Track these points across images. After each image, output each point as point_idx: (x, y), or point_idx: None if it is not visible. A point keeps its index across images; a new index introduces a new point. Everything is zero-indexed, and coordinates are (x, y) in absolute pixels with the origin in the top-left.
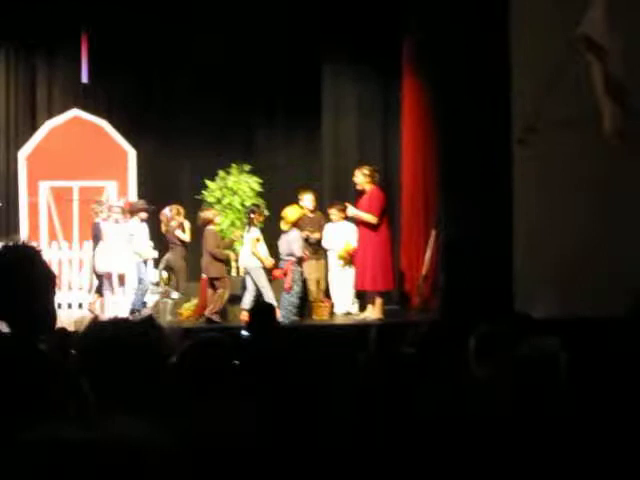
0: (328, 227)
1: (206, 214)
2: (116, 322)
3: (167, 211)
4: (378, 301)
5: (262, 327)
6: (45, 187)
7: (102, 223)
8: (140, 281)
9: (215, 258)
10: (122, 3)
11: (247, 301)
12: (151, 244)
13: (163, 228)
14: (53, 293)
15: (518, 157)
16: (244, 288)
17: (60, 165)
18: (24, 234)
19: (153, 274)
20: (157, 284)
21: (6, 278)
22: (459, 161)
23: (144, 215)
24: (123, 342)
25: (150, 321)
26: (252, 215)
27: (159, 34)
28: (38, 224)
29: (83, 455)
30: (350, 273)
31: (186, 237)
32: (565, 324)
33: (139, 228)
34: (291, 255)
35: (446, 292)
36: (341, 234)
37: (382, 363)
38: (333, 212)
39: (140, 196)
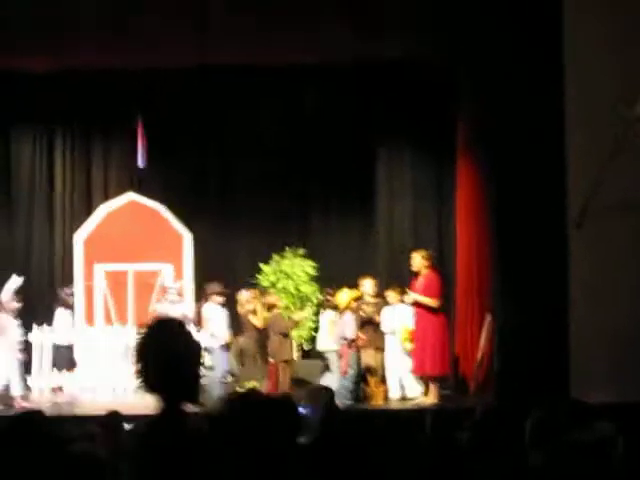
0: (385, 310)
1: (269, 299)
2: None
3: (245, 293)
4: (433, 386)
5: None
6: (100, 270)
7: (156, 305)
8: (212, 368)
9: (283, 338)
10: (179, 89)
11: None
12: (228, 329)
13: (239, 309)
14: (200, 363)
15: (574, 240)
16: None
17: (115, 248)
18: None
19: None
20: (232, 374)
21: (163, 351)
22: (514, 244)
23: (220, 299)
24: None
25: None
26: (328, 297)
27: (215, 119)
28: (93, 307)
29: None
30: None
31: (258, 322)
32: (622, 409)
33: (215, 311)
34: (344, 338)
35: (501, 377)
36: (399, 317)
37: (438, 447)
38: (390, 294)
39: (196, 279)
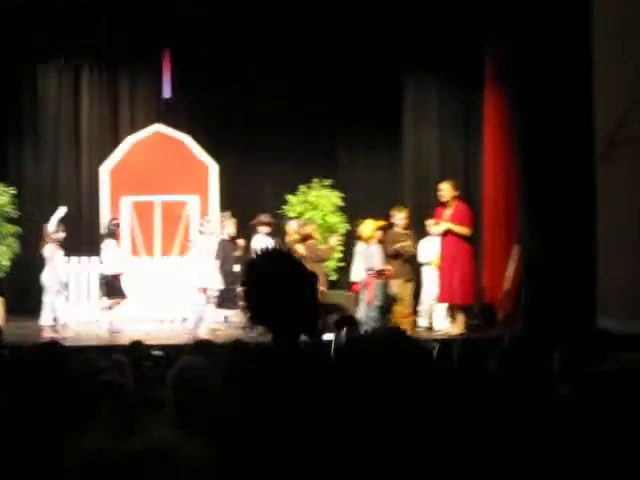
0: (423, 241)
1: (306, 229)
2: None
3: (292, 223)
4: (461, 316)
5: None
6: (127, 201)
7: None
8: None
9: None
10: (205, 20)
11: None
12: None
13: (287, 239)
14: (315, 292)
15: (600, 172)
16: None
17: (142, 179)
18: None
19: None
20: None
21: (267, 281)
22: (541, 176)
23: (267, 229)
24: None
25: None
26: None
27: (241, 50)
28: (120, 238)
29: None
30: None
31: (302, 251)
32: None
33: (263, 241)
34: (371, 269)
35: (529, 307)
36: (434, 247)
37: (466, 377)
38: (430, 225)
39: (222, 209)
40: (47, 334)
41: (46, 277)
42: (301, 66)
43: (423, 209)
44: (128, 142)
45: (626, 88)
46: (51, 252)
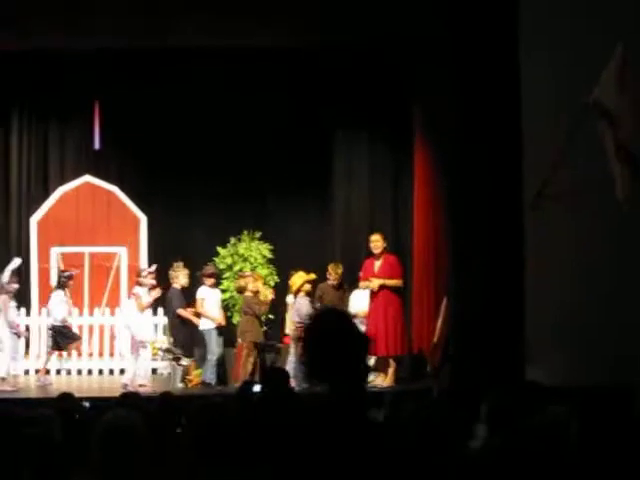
0: (356, 294)
1: (240, 282)
2: None
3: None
4: (392, 367)
5: (276, 388)
6: (56, 253)
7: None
8: (211, 352)
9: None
10: (134, 74)
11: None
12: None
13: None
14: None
15: (530, 223)
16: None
17: (71, 231)
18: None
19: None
20: (168, 350)
21: (330, 340)
22: (470, 228)
23: (212, 281)
24: None
25: None
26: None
27: (170, 102)
28: (49, 290)
29: None
30: None
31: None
32: (577, 392)
33: (210, 293)
34: (300, 322)
35: (456, 359)
36: (362, 300)
37: (395, 428)
38: (363, 284)
39: (151, 261)
40: None
41: None
42: (231, 117)
43: (353, 261)
44: (57, 193)
45: (557, 136)
46: (3, 303)
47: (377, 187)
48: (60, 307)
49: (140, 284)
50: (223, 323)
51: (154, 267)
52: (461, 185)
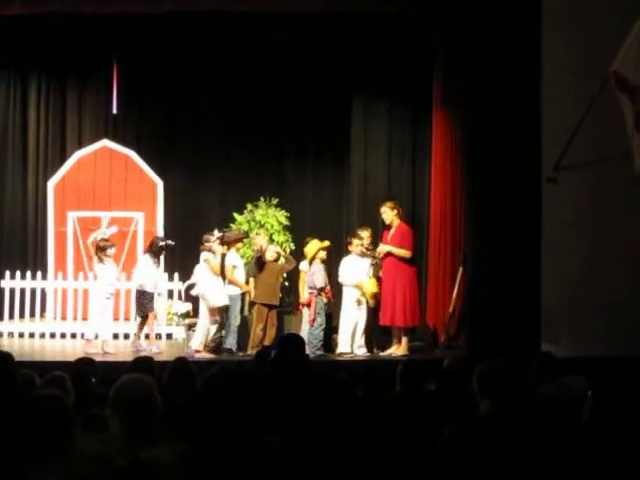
0: (344, 261)
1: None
2: None
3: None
4: (405, 337)
5: (292, 356)
6: (73, 217)
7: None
8: (234, 317)
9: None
10: (154, 36)
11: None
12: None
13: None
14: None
15: (547, 195)
16: None
17: (88, 195)
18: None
19: (181, 306)
20: (187, 315)
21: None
22: (487, 199)
23: (240, 245)
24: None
25: None
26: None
27: (190, 66)
28: (65, 253)
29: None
30: (363, 312)
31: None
32: (591, 363)
33: (238, 260)
34: (313, 287)
35: (472, 329)
36: (357, 269)
37: (408, 401)
38: (356, 243)
39: (167, 227)
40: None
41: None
42: (250, 85)
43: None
44: (75, 157)
45: (575, 109)
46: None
47: (395, 156)
48: (144, 272)
49: (211, 250)
50: (250, 290)
51: (217, 232)
52: (479, 156)
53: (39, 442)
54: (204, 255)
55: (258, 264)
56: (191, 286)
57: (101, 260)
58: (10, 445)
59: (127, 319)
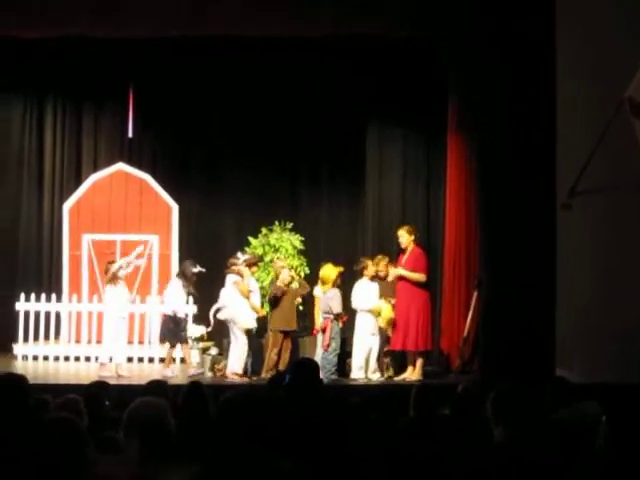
0: (357, 286)
1: (277, 268)
2: None
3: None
4: (419, 362)
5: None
6: (88, 240)
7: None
8: (246, 342)
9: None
10: (170, 61)
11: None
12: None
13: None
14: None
15: (562, 221)
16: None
17: (103, 218)
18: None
19: (196, 329)
20: (201, 339)
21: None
22: (502, 223)
23: (255, 269)
24: None
25: None
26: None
27: (204, 91)
28: (80, 276)
29: None
30: (376, 337)
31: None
32: (605, 389)
33: (254, 283)
34: (329, 313)
35: (486, 354)
36: (369, 293)
37: (422, 426)
38: (371, 268)
39: (182, 250)
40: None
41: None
42: (264, 109)
43: (384, 253)
44: (90, 180)
45: (591, 135)
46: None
47: (409, 181)
48: (173, 297)
49: (239, 273)
50: (264, 313)
51: (241, 255)
52: (494, 181)
53: (52, 465)
54: (232, 278)
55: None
56: (218, 310)
57: (113, 282)
58: (22, 467)
59: (141, 342)
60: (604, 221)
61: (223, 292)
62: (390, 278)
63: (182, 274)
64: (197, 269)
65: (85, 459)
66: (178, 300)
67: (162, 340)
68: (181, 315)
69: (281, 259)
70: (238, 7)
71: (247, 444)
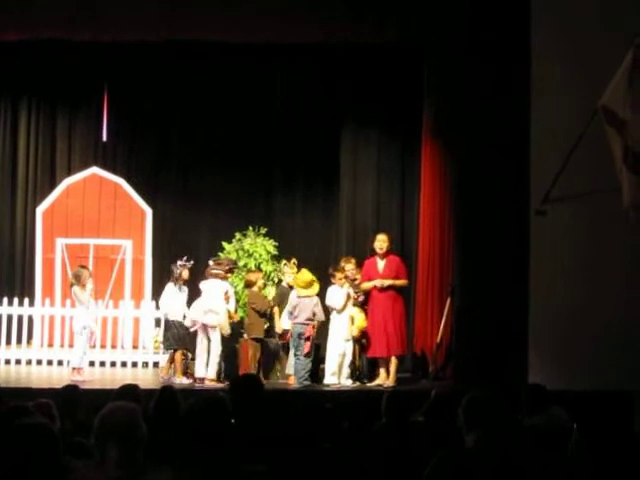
0: (330, 290)
1: (250, 276)
2: None
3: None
4: (393, 368)
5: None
6: (61, 244)
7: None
8: (220, 347)
9: (258, 316)
10: (145, 65)
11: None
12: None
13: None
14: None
15: (536, 227)
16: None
17: (77, 222)
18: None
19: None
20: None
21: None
22: (475, 230)
23: (232, 274)
24: None
25: None
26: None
27: (180, 95)
28: (53, 280)
29: None
30: (350, 343)
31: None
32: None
33: (231, 289)
34: (310, 320)
35: (459, 361)
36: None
37: (393, 432)
38: (339, 277)
39: (155, 255)
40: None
41: None
42: (240, 114)
43: (357, 260)
44: (64, 184)
45: (565, 142)
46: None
47: (384, 187)
48: (166, 302)
49: (225, 278)
50: (237, 319)
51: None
52: (468, 188)
53: (27, 471)
54: (219, 284)
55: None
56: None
57: (82, 286)
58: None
59: (114, 347)
60: (578, 227)
61: (209, 297)
62: (378, 286)
63: (173, 278)
64: (181, 263)
65: (61, 465)
66: (168, 305)
67: (168, 347)
68: (173, 318)
69: (256, 271)
70: (220, 13)
71: (212, 449)
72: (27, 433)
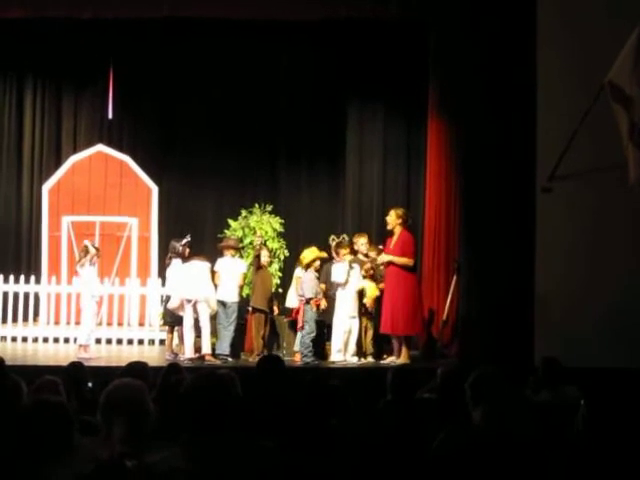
0: (335, 266)
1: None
2: None
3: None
4: (405, 346)
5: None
6: (67, 221)
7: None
8: (233, 324)
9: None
10: (150, 42)
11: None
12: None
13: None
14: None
15: (542, 204)
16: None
17: (83, 200)
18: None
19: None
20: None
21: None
22: (482, 207)
23: (234, 252)
24: None
25: None
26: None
27: (186, 72)
28: (59, 258)
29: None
30: (356, 320)
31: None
32: (584, 373)
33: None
34: (302, 295)
35: (465, 338)
36: (344, 271)
37: (399, 408)
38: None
39: (161, 232)
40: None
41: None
42: (245, 91)
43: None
44: (70, 162)
45: (571, 118)
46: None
47: (390, 163)
48: (171, 278)
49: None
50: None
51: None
52: (474, 164)
53: (39, 447)
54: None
55: (255, 266)
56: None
57: (92, 262)
58: (7, 449)
59: (120, 324)
60: (584, 205)
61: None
62: (379, 262)
63: (175, 254)
64: (184, 240)
65: (71, 441)
66: (172, 281)
67: (167, 322)
68: (176, 295)
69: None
70: None
71: (214, 426)
72: (41, 410)
